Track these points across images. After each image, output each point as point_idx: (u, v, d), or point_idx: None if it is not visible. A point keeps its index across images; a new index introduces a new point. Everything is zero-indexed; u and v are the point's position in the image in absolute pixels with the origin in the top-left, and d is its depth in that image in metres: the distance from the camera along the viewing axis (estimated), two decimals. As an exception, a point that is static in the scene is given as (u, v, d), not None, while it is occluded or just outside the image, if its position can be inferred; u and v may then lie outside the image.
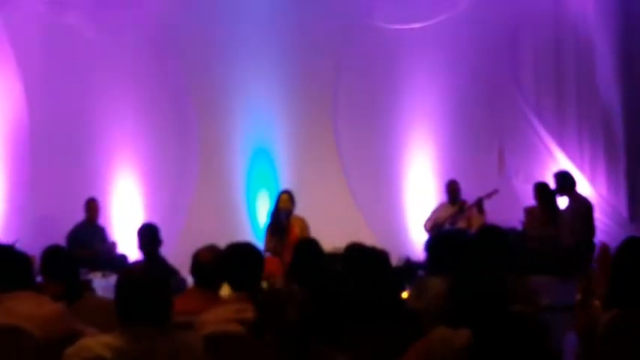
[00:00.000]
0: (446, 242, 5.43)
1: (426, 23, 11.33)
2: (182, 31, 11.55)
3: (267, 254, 9.16)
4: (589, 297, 5.21)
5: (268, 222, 9.76)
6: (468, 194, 10.61)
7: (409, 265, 9.33)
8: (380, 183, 11.57)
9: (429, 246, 5.48)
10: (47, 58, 11.36)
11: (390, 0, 11.33)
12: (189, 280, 5.76)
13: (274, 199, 9.89)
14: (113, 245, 10.63)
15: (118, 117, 11.58)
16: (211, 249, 5.04)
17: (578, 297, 5.41)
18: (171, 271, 7.19)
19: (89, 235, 10.46)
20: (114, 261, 10.01)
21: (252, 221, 11.38)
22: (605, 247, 8.77)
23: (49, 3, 11.40)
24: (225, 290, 4.89)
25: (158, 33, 11.56)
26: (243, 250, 4.73)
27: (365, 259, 4.37)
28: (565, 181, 9.65)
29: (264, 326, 3.56)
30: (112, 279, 8.99)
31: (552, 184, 9.89)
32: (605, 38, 10.51)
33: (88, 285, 7.66)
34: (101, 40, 11.45)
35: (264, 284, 5.31)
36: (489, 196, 10.30)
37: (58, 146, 11.29)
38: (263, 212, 10.53)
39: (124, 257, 10.32)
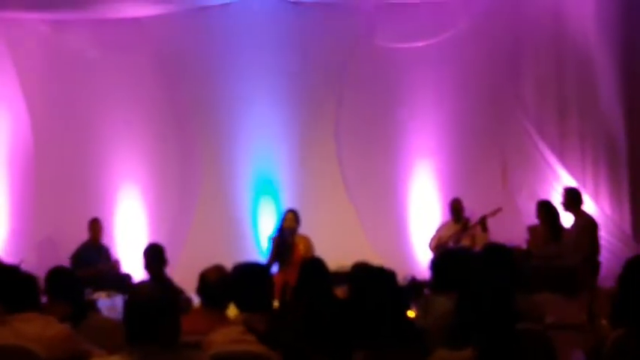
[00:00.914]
0: (451, 261, 5.43)
1: (428, 42, 11.36)
2: (186, 53, 11.57)
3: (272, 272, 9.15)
4: (595, 315, 5.21)
5: (273, 240, 9.75)
6: (472, 212, 10.61)
7: (414, 284, 9.31)
8: (384, 201, 11.55)
9: (435, 265, 5.49)
10: (51, 79, 11.44)
11: (393, 19, 11.34)
12: (195, 299, 5.76)
13: (279, 218, 9.89)
14: (117, 264, 10.64)
15: (121, 137, 11.62)
16: (218, 269, 5.04)
17: (585, 316, 5.40)
18: (176, 291, 7.20)
19: (93, 254, 10.48)
20: (118, 280, 10.01)
21: (255, 240, 11.36)
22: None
23: (52, 24, 11.45)
24: (232, 310, 4.89)
25: (162, 54, 11.59)
26: (250, 271, 4.73)
27: (372, 279, 4.37)
28: (572, 198, 9.66)
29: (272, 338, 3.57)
30: (117, 299, 9.01)
31: (556, 201, 9.89)
32: (607, 53, 10.50)
33: (92, 305, 7.65)
34: (104, 61, 11.51)
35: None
36: (493, 214, 10.30)
37: (62, 167, 11.36)
38: (267, 231, 10.49)
39: (128, 276, 10.32)
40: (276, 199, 11.40)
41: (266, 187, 11.52)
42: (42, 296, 5.01)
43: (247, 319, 4.40)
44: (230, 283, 4.72)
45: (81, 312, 5.05)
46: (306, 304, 5.09)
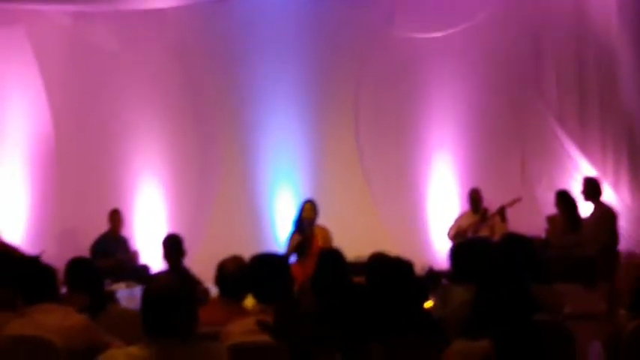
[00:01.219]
0: (470, 251, 5.42)
1: (448, 32, 11.32)
2: (207, 45, 11.61)
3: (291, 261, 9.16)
4: (614, 306, 5.19)
5: (292, 231, 9.76)
6: (491, 202, 10.58)
7: (432, 274, 9.29)
8: (402, 191, 11.55)
9: (453, 254, 5.47)
10: (72, 72, 11.48)
11: (413, 9, 11.32)
12: (213, 290, 5.77)
13: (298, 208, 9.89)
14: (135, 255, 10.68)
15: (141, 130, 11.67)
16: (236, 260, 5.04)
17: (604, 306, 5.39)
18: (194, 282, 7.22)
19: (112, 245, 10.53)
20: (137, 271, 10.06)
21: (274, 231, 11.38)
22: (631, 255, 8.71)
23: (73, 17, 11.48)
24: (249, 301, 4.90)
25: (183, 46, 11.63)
26: (269, 262, 4.73)
27: (389, 270, 4.36)
28: (593, 188, 9.62)
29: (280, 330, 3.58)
30: (136, 289, 9.05)
31: (576, 191, 9.85)
32: (628, 44, 10.44)
33: (112, 296, 7.68)
34: (125, 53, 11.55)
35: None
36: (512, 204, 10.27)
37: (83, 159, 11.42)
38: (286, 222, 10.50)
39: (146, 267, 10.36)
40: (295, 190, 11.41)
41: (285, 178, 11.53)
42: (62, 287, 5.05)
43: (263, 310, 4.41)
44: (248, 274, 4.72)
45: (100, 303, 5.07)
46: (323, 295, 5.10)
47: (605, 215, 9.45)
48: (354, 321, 3.98)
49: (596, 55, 10.94)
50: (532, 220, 10.30)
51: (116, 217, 10.75)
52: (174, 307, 3.48)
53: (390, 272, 4.29)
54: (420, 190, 11.61)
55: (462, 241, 8.47)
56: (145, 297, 3.55)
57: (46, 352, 4.36)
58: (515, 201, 10.26)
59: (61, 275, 5.07)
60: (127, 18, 11.31)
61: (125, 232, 10.93)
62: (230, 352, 3.86)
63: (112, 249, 10.42)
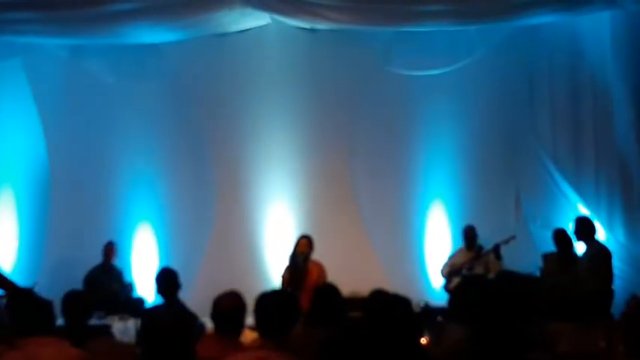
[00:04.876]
0: (471, 289, 5.42)
1: (443, 70, 11.40)
2: (202, 80, 11.63)
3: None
4: (613, 344, 5.19)
5: (287, 266, 9.74)
6: (485, 240, 10.60)
7: (427, 310, 9.31)
8: (397, 228, 11.55)
9: (454, 292, 5.47)
10: (67, 104, 11.53)
11: (408, 47, 11.38)
12: (209, 324, 5.76)
13: (294, 244, 9.87)
14: (130, 287, 10.67)
15: (136, 162, 11.66)
16: (232, 295, 5.02)
17: (602, 344, 5.39)
18: (191, 316, 7.19)
19: (106, 277, 10.51)
20: (131, 303, 10.04)
21: (269, 265, 11.36)
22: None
23: (70, 50, 11.54)
24: (248, 335, 4.88)
25: (178, 81, 11.65)
26: (281, 299, 4.67)
27: (388, 306, 4.36)
28: (584, 227, 9.61)
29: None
30: (130, 322, 9.03)
31: (570, 229, 9.87)
32: (622, 86, 10.51)
33: (107, 330, 7.66)
34: (121, 87, 11.59)
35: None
36: (507, 242, 10.29)
37: (77, 190, 11.43)
38: (282, 256, 10.46)
39: (141, 300, 10.34)
40: (290, 225, 11.40)
41: (280, 213, 11.53)
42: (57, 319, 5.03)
43: (263, 345, 4.39)
44: (257, 311, 4.64)
45: (90, 335, 5.06)
46: (320, 331, 5.09)
47: (599, 254, 9.44)
48: (352, 356, 3.97)
49: (591, 92, 11.02)
50: (527, 257, 10.31)
51: (110, 249, 10.75)
52: (171, 340, 3.48)
53: (390, 308, 4.29)
54: (414, 227, 11.62)
55: (466, 278, 8.47)
56: (142, 330, 3.55)
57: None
58: (511, 239, 10.28)
59: (55, 307, 5.06)
60: (122, 52, 11.36)
61: (119, 263, 10.92)
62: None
63: (105, 281, 10.40)
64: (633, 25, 10.32)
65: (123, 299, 10.29)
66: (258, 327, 4.48)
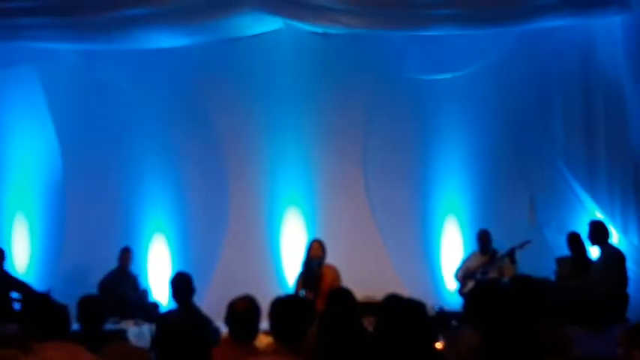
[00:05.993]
0: (486, 294, 5.41)
1: (457, 74, 11.39)
2: (214, 85, 11.64)
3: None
4: (631, 349, 5.16)
5: (300, 271, 9.74)
6: (500, 244, 10.58)
7: (442, 315, 9.28)
8: (411, 231, 11.55)
9: (469, 297, 5.46)
10: (81, 109, 11.53)
11: (422, 51, 11.38)
12: (223, 329, 5.76)
13: (306, 248, 9.87)
14: (145, 292, 10.69)
15: (149, 166, 11.70)
16: (247, 299, 5.02)
17: (620, 350, 5.36)
18: (206, 321, 7.19)
19: (121, 282, 10.53)
20: (146, 308, 10.05)
21: (283, 270, 11.37)
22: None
23: (83, 55, 11.57)
24: (263, 339, 4.88)
25: (190, 85, 11.67)
26: (296, 304, 4.66)
27: (403, 311, 4.36)
28: (598, 231, 9.58)
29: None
30: (145, 327, 9.05)
31: (585, 233, 9.84)
32: (635, 89, 10.48)
33: (122, 334, 7.68)
34: (133, 92, 11.61)
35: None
36: (522, 246, 10.25)
37: (92, 195, 11.47)
38: (295, 260, 10.45)
39: (155, 305, 10.35)
40: (304, 229, 11.41)
41: (294, 217, 11.54)
42: (72, 324, 5.05)
43: (278, 350, 4.39)
44: (272, 317, 4.64)
45: (105, 340, 5.08)
46: (333, 335, 5.09)
47: (612, 258, 9.42)
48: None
49: (603, 96, 10.99)
50: (541, 262, 10.28)
51: (126, 255, 10.78)
52: (186, 346, 3.49)
53: (404, 313, 4.29)
54: (428, 231, 11.62)
55: (481, 283, 8.46)
56: (157, 335, 3.57)
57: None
58: (526, 243, 10.25)
59: (70, 312, 5.08)
60: (134, 56, 11.37)
61: (135, 269, 10.94)
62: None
63: (120, 286, 10.43)
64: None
65: (138, 304, 10.31)
66: (272, 331, 4.48)
